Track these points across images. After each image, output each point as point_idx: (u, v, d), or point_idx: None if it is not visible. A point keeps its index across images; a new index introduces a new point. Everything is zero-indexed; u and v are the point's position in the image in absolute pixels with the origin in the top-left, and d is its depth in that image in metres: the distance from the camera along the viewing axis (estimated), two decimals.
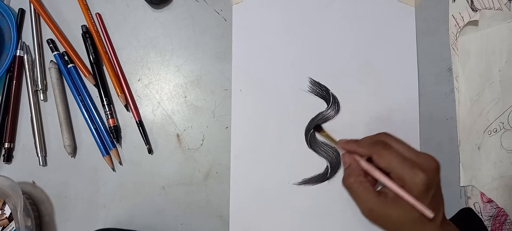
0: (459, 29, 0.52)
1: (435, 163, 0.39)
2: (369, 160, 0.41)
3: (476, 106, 0.50)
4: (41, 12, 0.51)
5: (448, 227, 0.40)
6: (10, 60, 0.51)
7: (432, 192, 0.38)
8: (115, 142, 0.50)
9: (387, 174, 0.39)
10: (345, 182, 0.42)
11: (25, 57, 0.51)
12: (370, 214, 0.40)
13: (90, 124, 0.50)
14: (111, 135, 0.50)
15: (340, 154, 0.45)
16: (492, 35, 0.51)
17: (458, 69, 0.51)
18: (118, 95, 0.50)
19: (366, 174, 0.41)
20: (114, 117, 0.51)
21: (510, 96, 0.50)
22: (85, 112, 0.50)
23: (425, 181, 0.37)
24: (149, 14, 0.53)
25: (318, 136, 0.50)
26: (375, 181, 0.42)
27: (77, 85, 0.51)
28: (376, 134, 0.43)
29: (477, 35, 0.51)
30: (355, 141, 0.43)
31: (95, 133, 0.50)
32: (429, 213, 0.37)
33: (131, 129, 0.51)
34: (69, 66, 0.51)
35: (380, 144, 0.41)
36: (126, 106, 0.51)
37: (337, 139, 0.49)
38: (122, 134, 0.51)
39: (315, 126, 0.50)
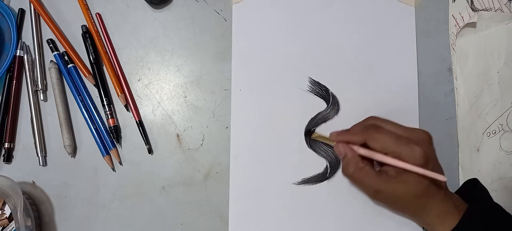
0: (459, 29, 0.52)
1: (427, 135, 0.41)
2: (363, 145, 0.43)
3: (475, 108, 0.50)
4: (41, 12, 0.51)
5: (452, 197, 0.42)
6: (10, 60, 0.51)
7: (431, 163, 0.39)
8: (115, 142, 0.50)
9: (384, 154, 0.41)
10: (346, 172, 0.42)
11: (25, 57, 0.51)
12: (377, 195, 0.41)
13: (90, 124, 0.50)
14: (111, 135, 0.50)
15: (333, 146, 0.45)
16: (490, 37, 0.51)
17: (456, 71, 0.51)
18: (118, 95, 0.50)
19: (363, 159, 0.42)
20: (114, 116, 0.51)
21: (509, 98, 0.50)
22: (85, 112, 0.50)
23: (423, 154, 0.39)
24: (149, 14, 0.53)
25: (313, 138, 0.50)
26: (372, 163, 0.43)
27: (77, 85, 0.51)
28: (365, 119, 0.44)
29: (475, 37, 0.51)
30: (346, 131, 0.45)
31: (95, 133, 0.50)
32: (442, 177, 0.38)
33: (131, 129, 0.51)
34: (69, 66, 0.51)
35: (372, 128, 0.42)
36: (126, 106, 0.51)
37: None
38: (122, 134, 0.51)
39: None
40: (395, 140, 0.40)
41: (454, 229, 0.39)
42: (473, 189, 0.43)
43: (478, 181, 0.44)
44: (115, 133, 0.50)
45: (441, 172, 0.41)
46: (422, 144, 0.39)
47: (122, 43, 0.52)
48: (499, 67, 0.51)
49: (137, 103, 0.51)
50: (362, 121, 0.44)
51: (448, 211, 0.40)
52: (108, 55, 0.52)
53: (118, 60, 0.52)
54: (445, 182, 0.41)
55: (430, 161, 0.39)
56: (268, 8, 0.52)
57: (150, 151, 0.50)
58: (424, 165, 0.39)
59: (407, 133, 0.41)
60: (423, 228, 0.46)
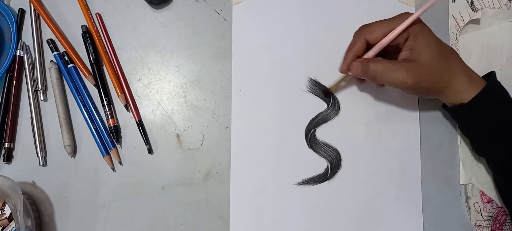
0: (459, 29, 0.52)
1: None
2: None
3: None
4: (41, 12, 0.51)
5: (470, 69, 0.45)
6: (10, 60, 0.51)
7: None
8: (115, 142, 0.50)
9: None
10: (369, 72, 0.44)
11: (25, 57, 0.51)
12: (409, 76, 0.42)
13: (90, 124, 0.50)
14: (111, 135, 0.50)
15: (353, 66, 0.46)
16: (494, 34, 0.51)
17: None
18: (118, 95, 0.50)
19: None
20: (114, 116, 0.51)
21: (511, 95, 0.50)
22: (85, 113, 0.50)
23: (409, 13, 0.43)
24: (149, 14, 0.53)
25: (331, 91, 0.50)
26: None
27: (77, 85, 0.51)
28: (354, 35, 0.46)
29: (478, 33, 0.51)
30: (346, 52, 0.46)
31: (95, 133, 0.50)
32: None
33: (131, 129, 0.51)
34: (69, 66, 0.51)
35: (361, 28, 0.45)
36: (126, 106, 0.51)
37: (337, 141, 0.50)
38: (122, 134, 0.51)
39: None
40: (385, 21, 0.44)
41: (482, 91, 0.42)
42: (488, 76, 0.45)
43: (494, 72, 0.45)
44: (115, 133, 0.50)
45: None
46: (408, 13, 0.43)
47: (122, 43, 0.52)
48: (501, 65, 0.51)
49: (137, 103, 0.51)
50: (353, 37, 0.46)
51: (473, 76, 0.44)
52: (108, 55, 0.52)
53: (118, 60, 0.52)
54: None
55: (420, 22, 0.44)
56: (268, 9, 0.52)
57: (150, 151, 0.50)
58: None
59: (392, 17, 0.44)
60: (444, 107, 0.47)
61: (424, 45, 0.42)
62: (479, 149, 0.47)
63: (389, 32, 0.43)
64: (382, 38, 0.43)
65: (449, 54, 0.44)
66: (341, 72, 0.48)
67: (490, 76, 0.44)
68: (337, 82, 0.49)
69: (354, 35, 0.46)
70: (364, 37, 0.44)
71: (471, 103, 0.43)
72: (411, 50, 0.43)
